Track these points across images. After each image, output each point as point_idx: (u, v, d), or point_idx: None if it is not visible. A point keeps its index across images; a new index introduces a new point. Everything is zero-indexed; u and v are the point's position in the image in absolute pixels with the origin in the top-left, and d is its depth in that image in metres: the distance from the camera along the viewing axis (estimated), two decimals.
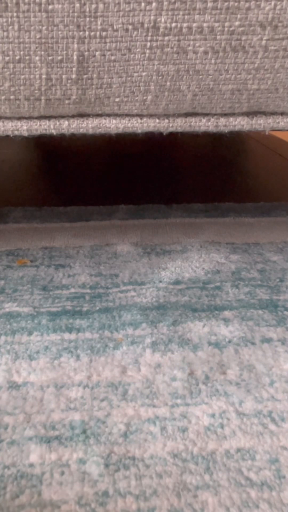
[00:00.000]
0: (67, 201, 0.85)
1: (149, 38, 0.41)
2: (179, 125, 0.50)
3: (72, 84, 0.44)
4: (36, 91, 0.44)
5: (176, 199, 0.88)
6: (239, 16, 0.41)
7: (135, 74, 0.44)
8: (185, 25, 0.41)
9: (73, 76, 0.43)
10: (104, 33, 0.41)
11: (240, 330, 0.48)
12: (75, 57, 0.42)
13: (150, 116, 0.50)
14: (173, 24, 0.41)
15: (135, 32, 0.41)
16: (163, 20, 0.40)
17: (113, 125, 0.49)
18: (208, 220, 0.76)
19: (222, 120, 0.51)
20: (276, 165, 1.15)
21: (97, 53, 0.42)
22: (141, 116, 0.49)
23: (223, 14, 0.40)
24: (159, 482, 0.32)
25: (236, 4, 0.40)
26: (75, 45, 0.41)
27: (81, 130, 0.50)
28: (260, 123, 0.51)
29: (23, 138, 0.50)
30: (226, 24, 0.41)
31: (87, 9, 0.39)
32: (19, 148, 1.25)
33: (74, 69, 0.43)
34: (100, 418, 0.37)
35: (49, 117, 0.49)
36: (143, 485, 0.32)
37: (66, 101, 0.46)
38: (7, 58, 0.42)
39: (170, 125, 0.50)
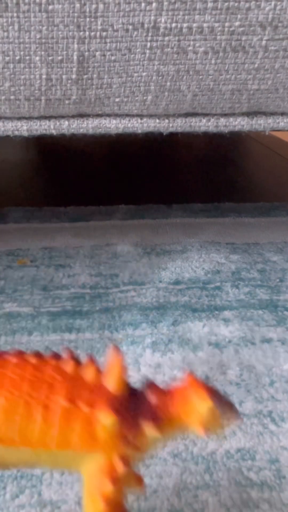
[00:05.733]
0: (67, 201, 0.85)
1: (149, 38, 0.41)
2: (179, 125, 0.50)
3: (72, 84, 0.44)
4: (36, 91, 0.44)
5: (176, 199, 0.88)
6: (239, 16, 0.41)
7: (135, 74, 0.44)
8: (185, 25, 0.41)
9: (73, 76, 0.43)
10: (104, 33, 0.41)
11: (240, 330, 0.48)
12: (75, 57, 0.42)
13: (150, 116, 0.50)
14: (173, 24, 0.41)
15: (135, 32, 0.41)
16: (163, 20, 0.40)
17: (113, 125, 0.49)
18: (208, 220, 0.76)
19: (222, 120, 0.51)
20: (276, 165, 1.15)
21: (97, 53, 0.42)
22: (141, 116, 0.49)
23: (223, 14, 0.40)
24: (159, 482, 0.32)
25: (236, 4, 0.40)
26: (75, 45, 0.41)
27: (81, 130, 0.50)
28: (260, 123, 0.51)
29: (23, 138, 0.50)
30: (226, 24, 0.41)
31: (87, 9, 0.39)
32: (19, 148, 1.25)
33: (74, 69, 0.43)
34: None
35: (49, 117, 0.49)
36: None
37: (66, 101, 0.46)
38: (7, 58, 0.42)
39: (170, 125, 0.50)
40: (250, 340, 0.47)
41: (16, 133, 0.49)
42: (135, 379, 0.41)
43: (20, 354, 0.24)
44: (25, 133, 0.49)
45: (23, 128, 0.49)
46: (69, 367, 0.23)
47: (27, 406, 0.22)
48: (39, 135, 0.50)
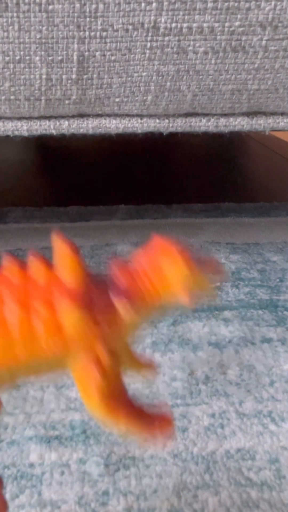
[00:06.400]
0: (67, 201, 0.85)
1: (149, 38, 0.41)
2: (179, 125, 0.50)
3: (72, 84, 0.44)
4: (36, 91, 0.44)
5: (176, 199, 0.88)
6: (239, 16, 0.41)
7: (135, 74, 0.44)
8: (185, 25, 0.41)
9: (73, 76, 0.43)
10: (104, 33, 0.41)
11: (240, 330, 0.48)
12: (75, 57, 0.42)
13: (150, 116, 0.50)
14: (173, 24, 0.41)
15: (135, 32, 0.41)
16: (163, 20, 0.40)
17: (113, 125, 0.49)
18: (208, 220, 0.76)
19: (222, 120, 0.51)
20: (276, 165, 1.15)
21: (97, 53, 0.42)
22: (141, 116, 0.49)
23: (223, 15, 0.40)
24: (159, 482, 0.32)
25: (236, 4, 0.40)
26: (75, 45, 0.41)
27: (81, 130, 0.50)
28: (260, 123, 0.51)
29: (23, 138, 0.50)
30: (226, 24, 0.41)
31: (87, 9, 0.39)
32: (19, 148, 1.25)
33: (74, 69, 0.43)
34: None
35: (49, 117, 0.49)
36: (143, 485, 0.32)
37: (66, 101, 0.46)
38: (7, 58, 0.42)
39: (170, 125, 0.50)
40: (250, 340, 0.47)
41: (16, 133, 0.49)
42: (135, 379, 0.41)
43: None
44: (25, 133, 0.49)
45: (23, 128, 0.49)
46: (14, 274, 0.21)
47: None
48: (39, 135, 0.50)
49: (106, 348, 0.21)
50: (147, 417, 0.23)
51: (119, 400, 0.22)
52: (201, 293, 0.22)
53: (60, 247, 0.21)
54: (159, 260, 0.22)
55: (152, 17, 0.40)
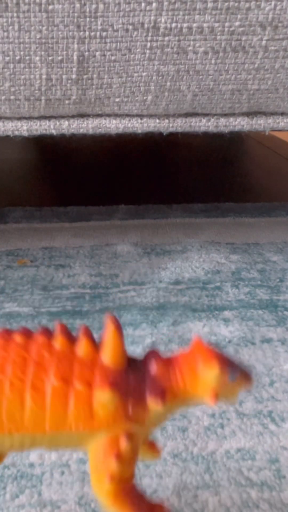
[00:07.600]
0: (67, 201, 0.85)
1: (149, 38, 0.41)
2: (179, 125, 0.50)
3: (72, 84, 0.44)
4: (36, 91, 0.44)
5: (176, 199, 0.88)
6: (239, 16, 0.41)
7: (135, 74, 0.44)
8: (185, 25, 0.41)
9: (73, 76, 0.43)
10: (104, 33, 0.41)
11: (240, 330, 0.48)
12: (75, 57, 0.42)
13: (150, 116, 0.50)
14: (173, 24, 0.41)
15: (135, 32, 0.41)
16: (163, 20, 0.40)
17: (113, 125, 0.49)
18: (208, 220, 0.76)
19: (222, 120, 0.51)
20: (276, 165, 1.15)
21: (97, 53, 0.42)
22: (141, 116, 0.49)
23: (223, 15, 0.40)
24: (159, 482, 0.32)
25: (236, 4, 0.40)
26: (75, 45, 0.41)
27: (81, 130, 0.50)
28: (260, 123, 0.51)
29: (23, 138, 0.50)
30: (226, 24, 0.41)
31: (87, 10, 0.39)
32: (19, 148, 1.25)
33: (74, 69, 0.43)
34: None
35: (49, 117, 0.49)
36: (143, 485, 0.32)
37: (66, 101, 0.46)
38: (7, 58, 0.42)
39: (170, 125, 0.50)
40: (250, 340, 0.47)
41: (16, 133, 0.49)
42: None
43: (4, 333, 0.22)
44: (25, 133, 0.49)
45: (23, 128, 0.49)
46: (58, 343, 0.22)
47: (14, 388, 0.21)
48: (39, 135, 0.50)
49: (128, 436, 0.21)
50: (148, 508, 0.23)
51: (127, 488, 0.22)
52: (226, 397, 0.23)
53: (108, 328, 0.22)
54: (195, 360, 0.22)
55: (152, 17, 0.40)
